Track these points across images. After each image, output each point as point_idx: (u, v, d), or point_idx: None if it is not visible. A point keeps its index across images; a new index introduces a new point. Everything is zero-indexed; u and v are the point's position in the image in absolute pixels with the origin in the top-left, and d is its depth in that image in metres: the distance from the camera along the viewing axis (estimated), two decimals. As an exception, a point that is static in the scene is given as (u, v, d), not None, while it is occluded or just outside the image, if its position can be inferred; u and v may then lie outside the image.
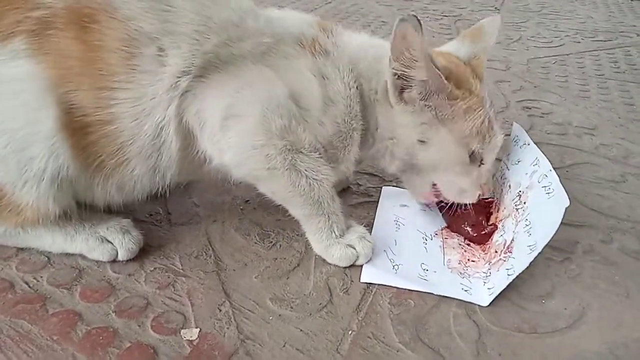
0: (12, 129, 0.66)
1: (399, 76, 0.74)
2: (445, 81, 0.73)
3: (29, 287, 0.73)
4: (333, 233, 0.79)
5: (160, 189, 0.78)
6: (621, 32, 2.23)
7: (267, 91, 0.72)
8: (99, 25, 0.65)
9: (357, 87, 0.78)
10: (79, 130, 0.68)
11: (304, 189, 0.75)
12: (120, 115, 0.68)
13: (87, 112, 0.67)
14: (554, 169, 1.07)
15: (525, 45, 1.99)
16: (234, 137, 0.71)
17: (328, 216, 0.78)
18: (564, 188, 0.75)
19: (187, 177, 0.84)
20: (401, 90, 0.76)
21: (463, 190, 0.82)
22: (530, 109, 1.43)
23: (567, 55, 1.90)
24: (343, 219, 0.81)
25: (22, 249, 0.79)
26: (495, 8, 2.54)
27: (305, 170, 0.74)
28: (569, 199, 0.73)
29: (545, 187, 0.78)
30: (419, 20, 0.67)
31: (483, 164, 0.81)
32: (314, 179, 0.75)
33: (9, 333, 0.66)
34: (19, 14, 0.64)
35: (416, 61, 0.71)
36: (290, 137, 0.73)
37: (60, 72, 0.65)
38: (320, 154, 0.76)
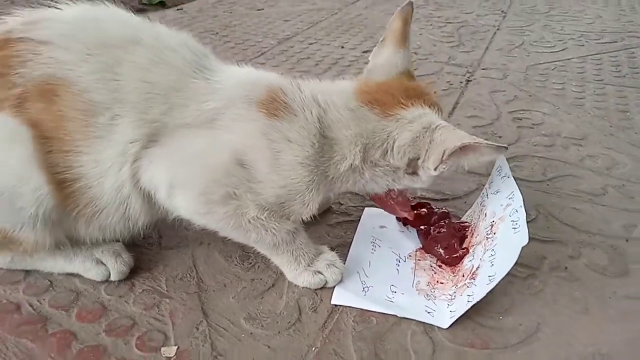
0: (6, 183, 0.75)
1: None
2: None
3: (33, 309, 0.82)
4: (300, 264, 0.85)
5: (136, 232, 0.87)
6: (629, 32, 2.21)
7: (211, 162, 0.77)
8: (60, 98, 0.74)
9: (330, 149, 0.80)
10: (59, 184, 0.77)
11: (256, 239, 0.82)
12: (85, 175, 0.77)
13: (60, 171, 0.76)
14: (535, 182, 1.12)
15: (526, 50, 2.00)
16: (180, 203, 0.79)
17: (291, 252, 0.85)
18: (528, 224, 0.79)
19: (161, 220, 0.89)
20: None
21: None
22: (521, 119, 1.46)
23: (569, 60, 1.90)
24: (311, 248, 0.87)
25: (28, 272, 0.89)
26: (502, 11, 2.55)
27: (254, 228, 0.80)
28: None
29: (514, 221, 0.82)
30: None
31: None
32: (264, 232, 0.81)
33: (14, 351, 0.75)
34: (3, 93, 0.74)
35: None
36: (234, 202, 0.78)
37: (39, 136, 0.75)
38: (271, 211, 0.80)
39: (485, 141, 0.78)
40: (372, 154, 0.82)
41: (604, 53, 1.96)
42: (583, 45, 2.05)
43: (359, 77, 0.90)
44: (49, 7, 0.79)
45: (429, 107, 0.83)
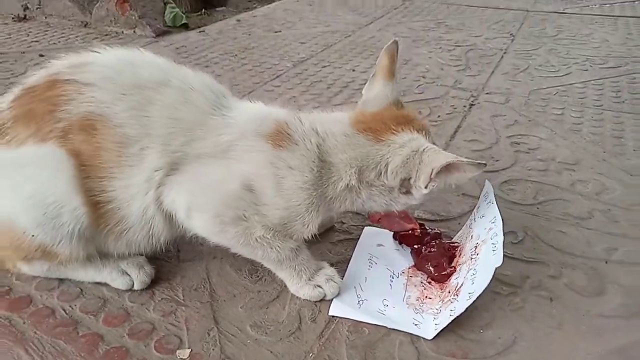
0: (49, 203, 0.87)
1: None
2: None
3: (66, 313, 0.93)
4: (301, 278, 0.95)
5: (157, 248, 0.98)
6: (634, 57, 2.27)
7: (224, 189, 0.88)
8: (98, 131, 0.86)
9: (328, 171, 0.90)
10: (93, 205, 0.89)
11: (262, 255, 0.93)
12: (116, 198, 0.89)
13: (95, 194, 0.88)
14: (526, 205, 1.20)
15: (531, 75, 2.08)
16: (197, 223, 0.90)
17: (294, 267, 0.95)
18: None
19: (180, 237, 1.00)
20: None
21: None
22: (518, 144, 1.54)
23: (571, 85, 1.97)
24: (312, 264, 0.97)
25: (62, 280, 1.00)
26: (511, 34, 2.63)
27: (261, 246, 0.90)
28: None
29: (493, 244, 0.91)
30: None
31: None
32: (270, 249, 0.91)
33: (50, 350, 0.86)
34: (50, 126, 0.86)
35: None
36: (243, 223, 0.88)
37: (79, 164, 0.87)
38: (276, 231, 0.90)
39: (466, 159, 0.87)
40: (367, 175, 0.91)
41: (606, 78, 2.03)
42: (587, 70, 2.12)
43: (354, 109, 1.00)
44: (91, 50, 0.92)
45: (417, 131, 0.93)
